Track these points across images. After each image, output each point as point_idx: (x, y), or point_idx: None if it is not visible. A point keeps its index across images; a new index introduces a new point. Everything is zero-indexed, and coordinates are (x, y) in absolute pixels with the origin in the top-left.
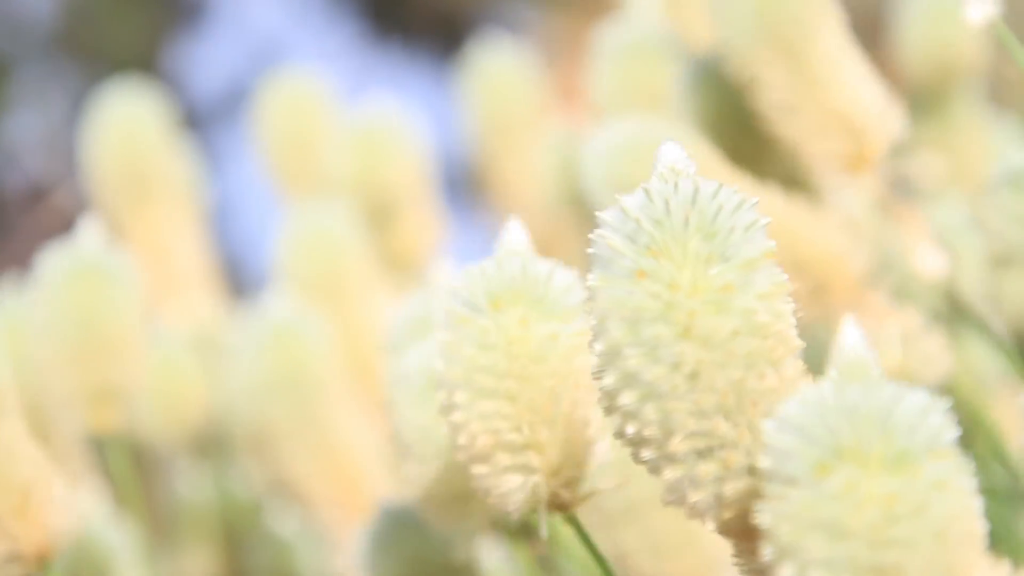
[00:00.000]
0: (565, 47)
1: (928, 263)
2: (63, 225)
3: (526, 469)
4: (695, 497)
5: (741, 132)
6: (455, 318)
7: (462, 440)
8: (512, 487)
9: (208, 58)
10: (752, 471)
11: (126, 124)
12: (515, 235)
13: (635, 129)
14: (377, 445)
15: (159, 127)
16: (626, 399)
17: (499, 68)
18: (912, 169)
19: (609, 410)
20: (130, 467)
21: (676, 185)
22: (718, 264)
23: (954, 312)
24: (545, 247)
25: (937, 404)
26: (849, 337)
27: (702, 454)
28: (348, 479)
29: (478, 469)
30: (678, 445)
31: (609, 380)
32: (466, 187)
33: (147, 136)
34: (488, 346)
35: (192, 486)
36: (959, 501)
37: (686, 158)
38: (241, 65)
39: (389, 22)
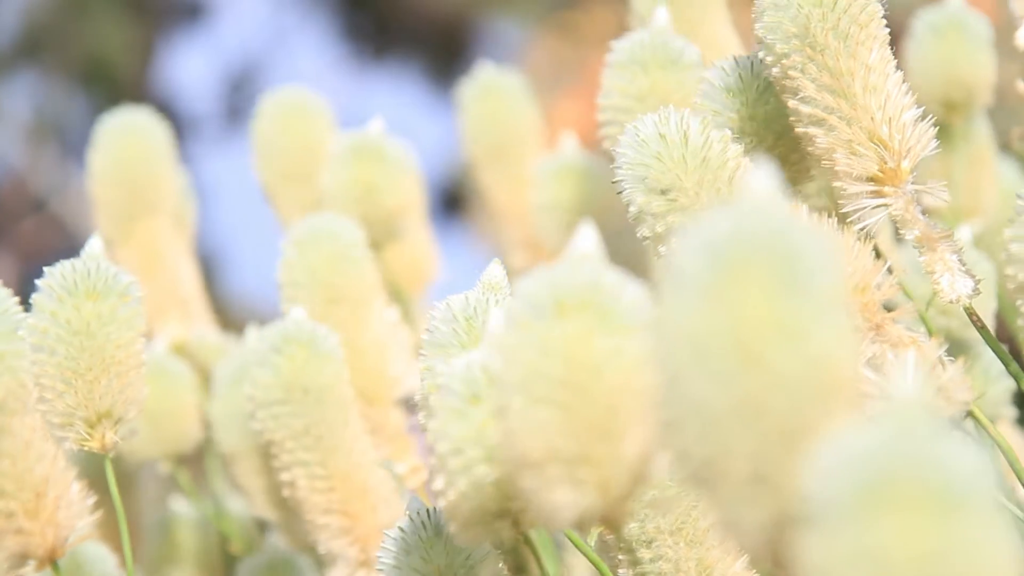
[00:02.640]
0: (554, 71)
1: (954, 288)
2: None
3: (576, 482)
4: (748, 530)
5: (772, 144)
6: (518, 320)
7: (513, 447)
8: (560, 500)
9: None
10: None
11: (129, 140)
12: (587, 241)
13: (671, 119)
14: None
15: (161, 144)
16: (685, 428)
17: (498, 93)
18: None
19: (666, 435)
20: (120, 484)
21: (753, 215)
22: (791, 297)
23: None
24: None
25: (980, 451)
26: (903, 377)
27: (759, 488)
28: (356, 500)
29: (527, 479)
30: (734, 478)
31: (669, 408)
32: (450, 208)
33: (149, 153)
34: (549, 353)
35: (186, 505)
36: (998, 548)
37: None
38: (223, 82)
39: (375, 41)
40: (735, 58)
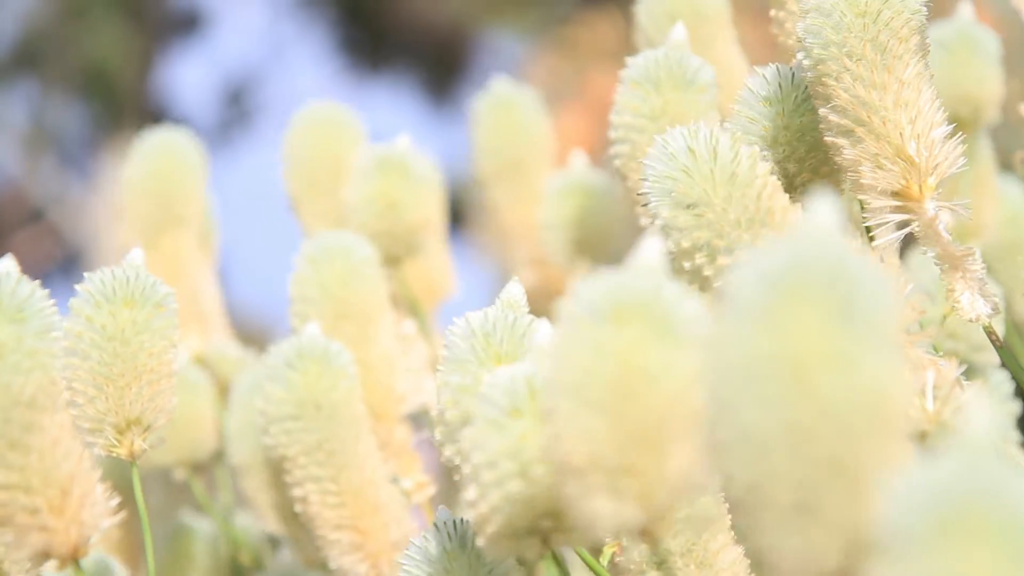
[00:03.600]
0: (553, 85)
1: (974, 307)
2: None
3: (618, 492)
4: (789, 557)
5: (805, 155)
6: (575, 323)
7: (558, 452)
8: (601, 509)
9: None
10: (853, 541)
11: (165, 155)
12: (650, 251)
13: (700, 133)
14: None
15: (195, 162)
16: (732, 451)
17: (512, 108)
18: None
19: (713, 457)
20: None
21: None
22: (845, 327)
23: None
24: (546, 289)
25: None
26: (978, 416)
27: (804, 516)
28: (367, 516)
29: (569, 485)
30: (779, 504)
31: (718, 430)
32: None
33: (183, 168)
34: (604, 357)
35: (197, 515)
36: None
37: None
38: (220, 93)
39: (372, 54)
40: (777, 67)
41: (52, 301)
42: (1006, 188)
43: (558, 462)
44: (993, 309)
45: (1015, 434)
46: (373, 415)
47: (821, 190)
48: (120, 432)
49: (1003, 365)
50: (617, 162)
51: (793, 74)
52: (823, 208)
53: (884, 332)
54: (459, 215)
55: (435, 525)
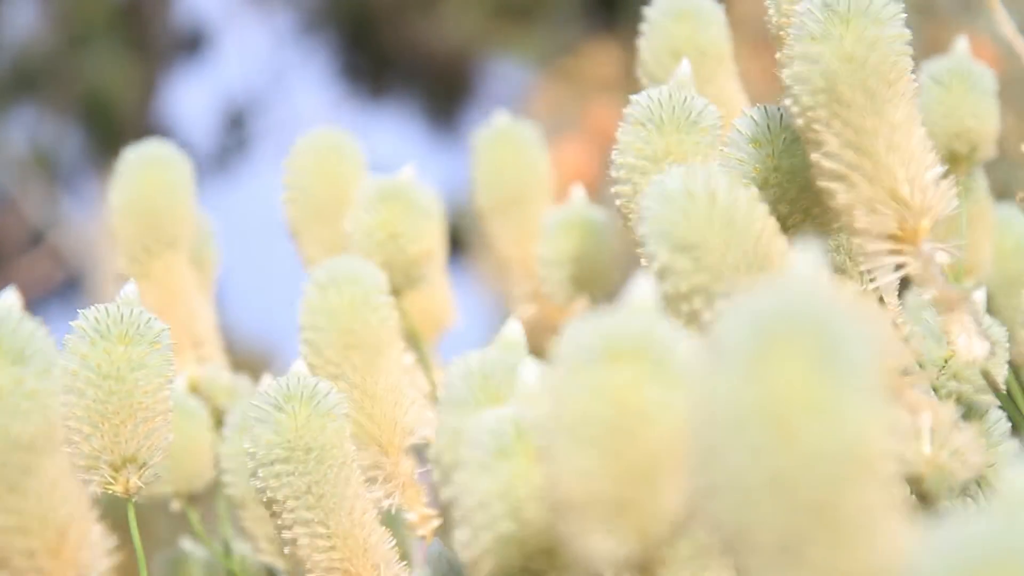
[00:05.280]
0: (553, 115)
1: (970, 350)
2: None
3: (615, 529)
4: None
5: (796, 196)
6: (570, 364)
7: (554, 490)
8: (598, 546)
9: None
10: None
11: (149, 173)
12: (642, 290)
13: (697, 175)
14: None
15: (181, 178)
16: (717, 496)
17: (513, 143)
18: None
19: (699, 501)
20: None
21: (796, 294)
22: (828, 376)
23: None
24: (545, 323)
25: None
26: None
27: (788, 559)
28: (357, 558)
29: (566, 523)
30: (764, 548)
31: (704, 475)
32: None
33: (168, 186)
34: (599, 398)
35: (195, 547)
36: None
37: None
38: (221, 119)
39: (373, 81)
40: (765, 108)
41: (52, 340)
42: (1010, 218)
43: (554, 500)
44: (990, 352)
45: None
46: (380, 447)
47: (812, 232)
48: (116, 469)
49: (1000, 407)
50: (619, 202)
51: (781, 114)
52: (807, 255)
53: (867, 380)
54: (461, 241)
55: (428, 561)
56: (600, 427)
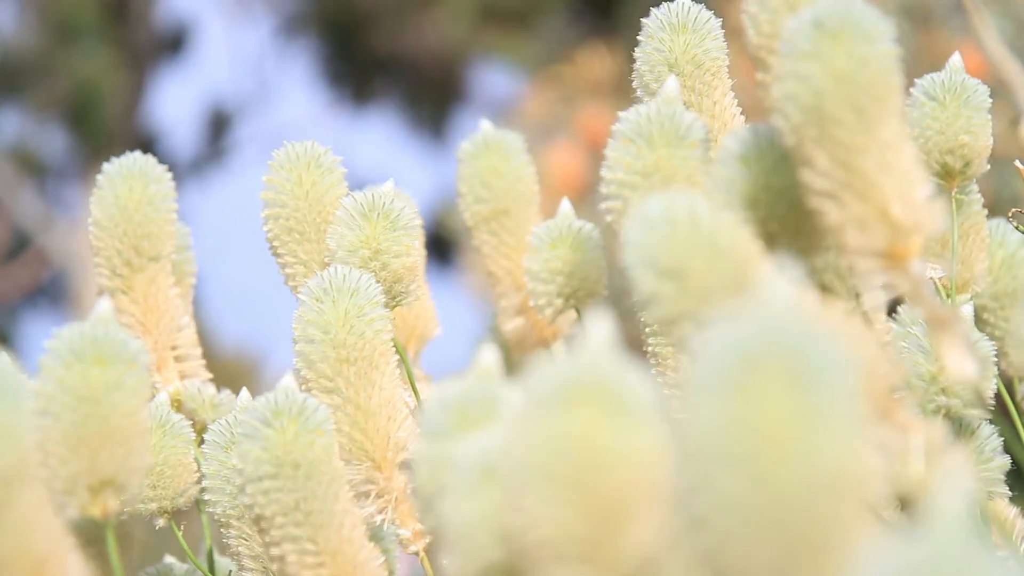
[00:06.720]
0: (543, 122)
1: (961, 367)
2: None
3: (578, 567)
4: None
5: (785, 214)
6: (527, 412)
7: (520, 544)
8: None
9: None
10: None
11: (128, 185)
12: (600, 330)
13: (680, 201)
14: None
15: (162, 189)
16: (710, 525)
17: (499, 155)
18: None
19: (689, 533)
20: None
21: (773, 320)
22: (808, 400)
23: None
24: (533, 337)
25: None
26: (946, 498)
27: None
28: (346, 575)
29: (529, 560)
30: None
31: (694, 506)
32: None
33: (148, 199)
34: (557, 440)
35: (178, 563)
36: None
37: None
38: (204, 124)
39: (358, 88)
40: (754, 126)
41: (22, 370)
42: (1001, 233)
43: (521, 552)
44: (981, 369)
45: (1004, 489)
46: (373, 462)
47: (802, 251)
48: (94, 493)
49: (991, 421)
50: (609, 218)
51: (770, 133)
52: (780, 280)
53: (846, 405)
54: (450, 245)
55: None
56: (562, 471)
